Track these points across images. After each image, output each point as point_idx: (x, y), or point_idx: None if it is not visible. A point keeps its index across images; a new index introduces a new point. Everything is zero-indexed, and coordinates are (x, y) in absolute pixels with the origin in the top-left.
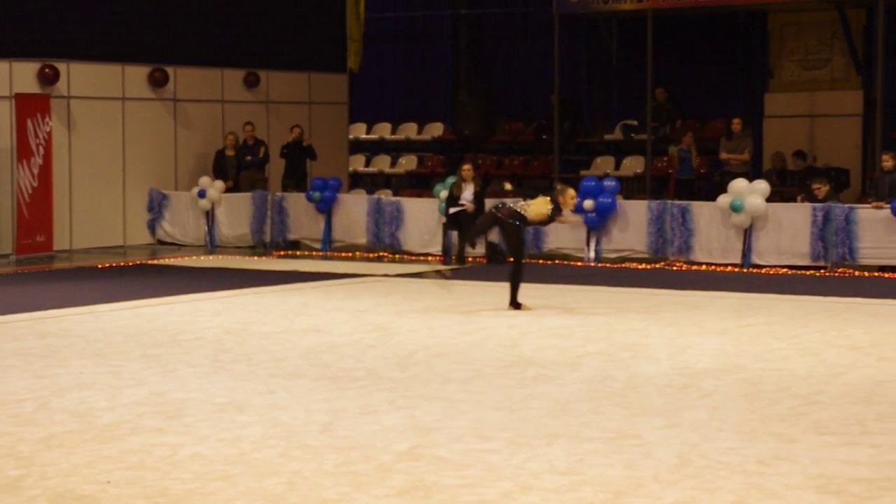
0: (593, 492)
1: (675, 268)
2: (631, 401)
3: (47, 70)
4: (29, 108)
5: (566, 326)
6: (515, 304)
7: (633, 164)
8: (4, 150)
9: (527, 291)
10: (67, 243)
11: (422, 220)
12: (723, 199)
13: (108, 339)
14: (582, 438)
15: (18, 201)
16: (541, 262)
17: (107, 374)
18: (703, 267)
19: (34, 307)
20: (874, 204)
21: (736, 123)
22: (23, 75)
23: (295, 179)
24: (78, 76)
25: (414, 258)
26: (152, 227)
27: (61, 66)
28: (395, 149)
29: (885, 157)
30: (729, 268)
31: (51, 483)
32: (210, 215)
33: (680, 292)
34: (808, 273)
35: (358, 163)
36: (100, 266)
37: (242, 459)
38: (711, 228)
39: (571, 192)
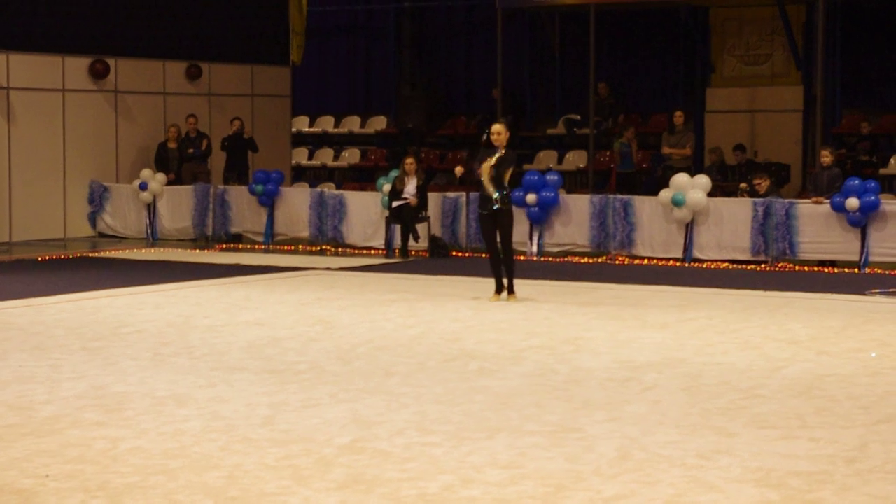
0: (534, 485)
1: (617, 262)
2: (573, 394)
3: None
4: None
5: (508, 320)
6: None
7: (576, 159)
8: None
9: (469, 285)
10: (7, 235)
11: (365, 213)
12: (664, 194)
13: (48, 332)
14: (524, 432)
15: None
16: (484, 256)
17: (46, 368)
18: (645, 261)
19: None
20: (814, 199)
21: (678, 116)
22: None
23: (237, 172)
24: (17, 67)
25: (357, 251)
26: (93, 219)
27: (0, 58)
28: (338, 142)
29: (824, 152)
30: (671, 262)
31: None
32: (151, 208)
33: (622, 286)
34: (748, 267)
35: (301, 156)
36: (40, 258)
37: (183, 453)
38: (653, 223)
39: (494, 127)
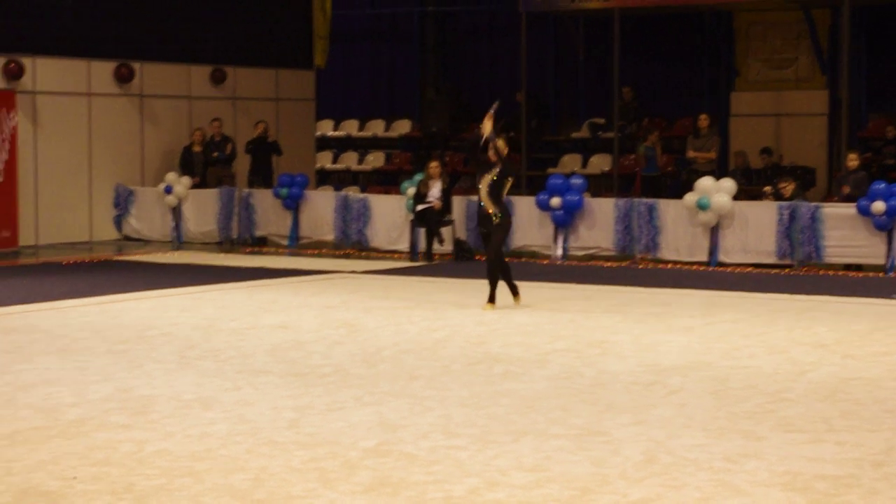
0: (560, 488)
1: (641, 265)
2: (598, 398)
3: (12, 65)
4: None
5: (534, 323)
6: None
7: (601, 162)
8: None
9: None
10: (33, 239)
11: (389, 217)
12: (689, 198)
13: (74, 334)
14: (549, 435)
15: None
16: (508, 259)
17: (72, 370)
18: (670, 265)
19: None
20: (843, 187)
21: (703, 119)
22: None
23: (261, 176)
24: (44, 71)
25: (381, 255)
26: (119, 222)
27: (27, 62)
28: (363, 146)
29: (851, 155)
30: (696, 266)
31: (15, 479)
32: (177, 211)
33: (647, 290)
34: (774, 271)
35: (325, 160)
36: (65, 262)
37: (209, 456)
38: (678, 226)
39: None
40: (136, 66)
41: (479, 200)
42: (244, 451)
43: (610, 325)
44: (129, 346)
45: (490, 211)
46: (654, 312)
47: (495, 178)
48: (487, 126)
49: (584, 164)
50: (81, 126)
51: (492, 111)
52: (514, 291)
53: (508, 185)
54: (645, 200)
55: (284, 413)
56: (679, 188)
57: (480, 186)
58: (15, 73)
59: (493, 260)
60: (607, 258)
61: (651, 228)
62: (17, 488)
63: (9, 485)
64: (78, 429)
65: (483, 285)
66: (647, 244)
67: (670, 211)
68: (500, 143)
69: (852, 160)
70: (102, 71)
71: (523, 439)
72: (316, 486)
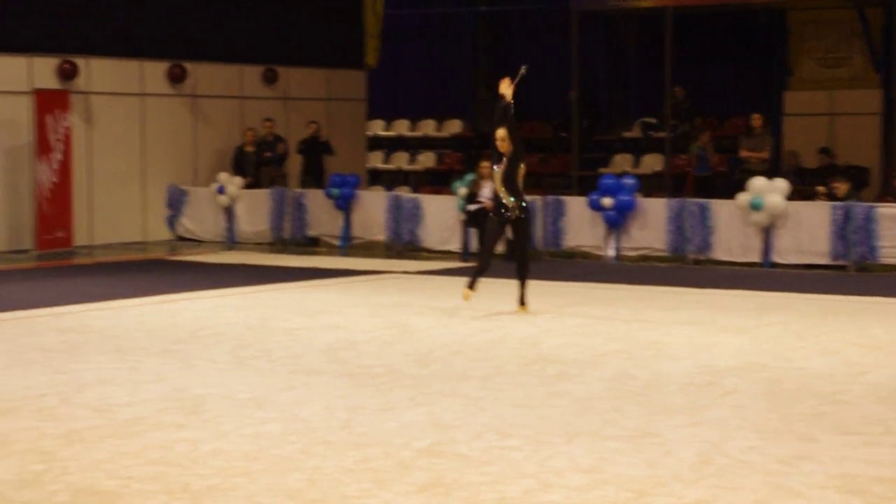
0: (615, 490)
1: (694, 266)
2: (652, 399)
3: (66, 65)
4: (48, 103)
5: (587, 324)
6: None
7: (652, 162)
8: (24, 146)
9: (546, 289)
10: (87, 239)
11: (441, 217)
12: (742, 198)
13: (128, 334)
14: (603, 436)
15: (38, 197)
16: (560, 259)
17: (127, 370)
18: (723, 265)
19: (54, 302)
20: None
21: (756, 119)
22: (42, 71)
23: (313, 176)
24: (97, 72)
25: (432, 255)
26: (172, 222)
27: (80, 62)
28: (414, 146)
29: None
30: (748, 266)
31: (72, 478)
32: (229, 211)
33: (700, 290)
34: (828, 272)
35: (376, 159)
36: (119, 261)
37: (263, 455)
38: (731, 227)
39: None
40: (189, 66)
41: (495, 191)
42: (298, 450)
43: (663, 327)
44: (182, 345)
45: (507, 202)
46: (707, 313)
47: (507, 166)
48: (508, 92)
49: (636, 163)
50: (135, 126)
51: (517, 78)
52: (523, 300)
53: (522, 171)
54: (697, 200)
55: (337, 413)
56: (731, 188)
57: (494, 177)
58: (69, 74)
59: (520, 260)
60: (659, 258)
61: (703, 229)
62: (74, 487)
63: (65, 484)
64: (133, 428)
65: (535, 286)
66: (699, 245)
67: (723, 211)
68: (500, 132)
69: None
70: (155, 71)
71: (578, 440)
72: (370, 486)
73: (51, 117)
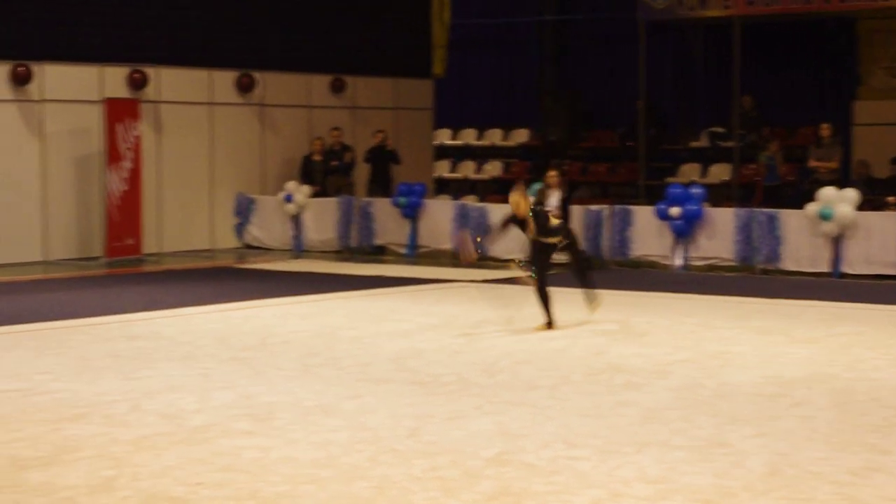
0: (684, 500)
1: (763, 276)
2: (720, 409)
3: (136, 75)
4: (118, 112)
5: (654, 334)
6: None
7: (720, 172)
8: (94, 155)
9: (613, 298)
10: (156, 246)
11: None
12: (811, 208)
13: (197, 341)
14: (672, 446)
15: (108, 205)
16: (627, 268)
17: (196, 377)
18: (792, 276)
19: (124, 310)
20: None
21: (825, 129)
22: (113, 80)
23: (380, 185)
24: (167, 81)
25: (499, 264)
26: (240, 231)
27: (150, 71)
28: (481, 155)
29: None
30: (818, 277)
31: (143, 484)
32: (297, 220)
33: (768, 301)
34: None
35: (443, 168)
36: (188, 269)
37: (332, 463)
38: (800, 237)
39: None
40: (258, 75)
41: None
42: (366, 458)
43: (731, 336)
44: (251, 353)
45: (553, 240)
46: (775, 323)
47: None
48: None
49: (704, 173)
50: (203, 135)
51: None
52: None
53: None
54: (766, 210)
55: (405, 421)
56: (800, 198)
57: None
58: (139, 83)
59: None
60: (728, 268)
61: (772, 239)
62: (145, 493)
63: (136, 490)
64: (202, 435)
65: (601, 295)
66: (768, 254)
67: (792, 221)
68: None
69: None
70: (224, 80)
71: (646, 450)
72: (437, 494)
73: (121, 126)
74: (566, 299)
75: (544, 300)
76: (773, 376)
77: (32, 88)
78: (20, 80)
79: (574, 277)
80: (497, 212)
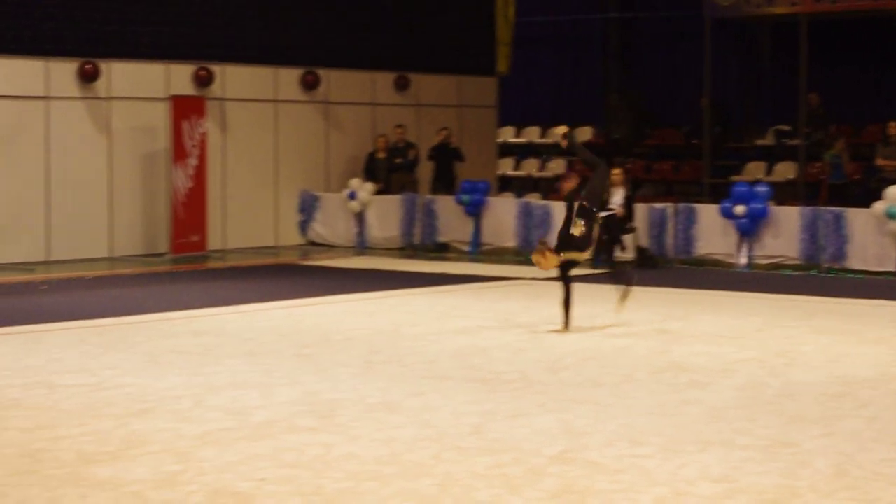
0: (748, 500)
1: (828, 275)
2: (785, 408)
3: (202, 72)
4: (184, 109)
5: (718, 332)
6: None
7: (785, 170)
8: (160, 152)
9: (677, 296)
10: (221, 243)
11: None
12: (878, 206)
13: (261, 338)
14: (736, 446)
15: (174, 201)
16: (691, 267)
17: (260, 373)
18: (858, 275)
19: (189, 305)
20: None
21: (893, 126)
22: (179, 77)
23: (443, 182)
24: (232, 78)
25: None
26: (304, 228)
27: (216, 69)
28: (544, 152)
29: None
30: (884, 276)
31: (207, 479)
32: (360, 217)
33: (834, 300)
34: None
35: (507, 166)
36: (252, 266)
37: (395, 460)
38: (866, 235)
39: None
40: (322, 73)
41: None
42: (429, 456)
43: (796, 336)
44: (314, 349)
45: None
46: (841, 323)
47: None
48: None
49: (769, 171)
50: (268, 132)
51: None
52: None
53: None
54: (832, 209)
55: (468, 419)
56: (867, 197)
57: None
58: (205, 81)
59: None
60: (793, 267)
61: (838, 237)
62: (209, 488)
63: (201, 485)
64: (266, 431)
65: (665, 293)
66: (833, 253)
67: (858, 220)
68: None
69: None
70: (289, 78)
71: (710, 449)
72: (501, 492)
73: (187, 123)
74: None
75: (566, 304)
76: (839, 376)
77: (100, 86)
78: (88, 77)
79: (611, 270)
80: (561, 209)
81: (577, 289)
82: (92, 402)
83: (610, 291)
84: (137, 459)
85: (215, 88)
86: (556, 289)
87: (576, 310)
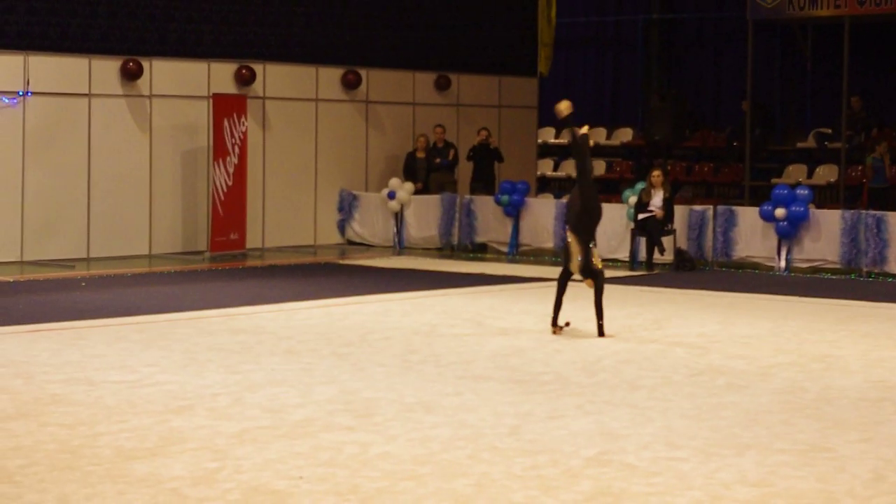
0: None
1: (869, 279)
2: (823, 413)
3: (244, 71)
4: (226, 108)
5: (756, 336)
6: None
7: (827, 173)
8: (201, 149)
9: (716, 299)
10: (260, 241)
11: (610, 225)
12: None
13: (299, 336)
14: (773, 450)
15: (213, 199)
16: (730, 270)
17: (298, 371)
18: None
19: (227, 304)
20: None
21: None
22: (220, 76)
23: (483, 182)
24: (273, 77)
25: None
26: (342, 227)
27: (258, 67)
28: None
29: None
30: None
31: (245, 477)
32: (399, 216)
33: (874, 304)
34: None
35: (546, 167)
36: (290, 264)
37: (431, 460)
38: None
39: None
40: (363, 72)
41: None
42: (466, 456)
43: (835, 340)
44: (352, 348)
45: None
46: (881, 327)
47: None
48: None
49: (810, 174)
50: (308, 131)
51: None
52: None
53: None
54: (872, 213)
55: (505, 419)
56: None
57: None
58: (246, 79)
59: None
60: (833, 271)
61: (879, 241)
62: (247, 486)
63: (238, 482)
64: (304, 429)
65: (704, 296)
66: (874, 257)
67: None
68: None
69: None
70: (330, 77)
71: (747, 453)
72: (537, 493)
73: (228, 121)
74: (669, 299)
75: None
76: (878, 381)
77: (142, 84)
78: (130, 75)
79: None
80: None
81: (611, 291)
82: (131, 399)
83: (644, 294)
84: (175, 456)
85: (256, 87)
86: (592, 291)
87: (611, 312)
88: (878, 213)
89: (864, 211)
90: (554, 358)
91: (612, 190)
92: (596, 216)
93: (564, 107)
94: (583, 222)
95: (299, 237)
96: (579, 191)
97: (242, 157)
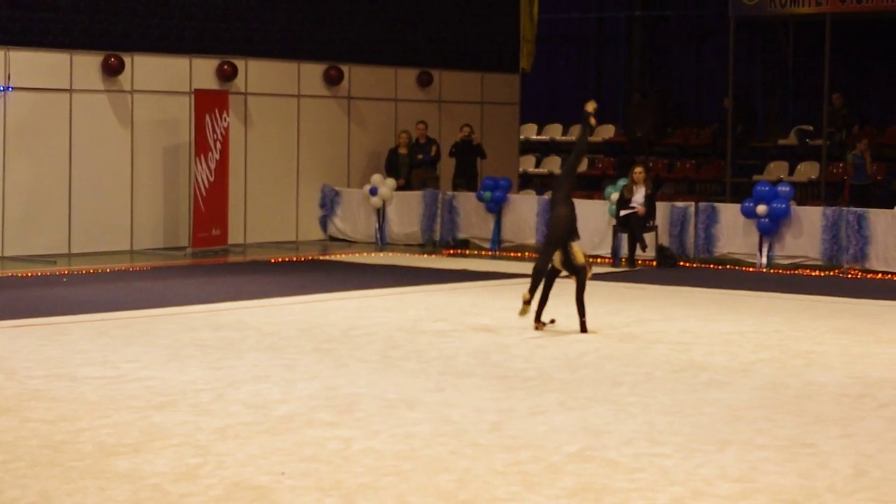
0: (766, 500)
1: (849, 276)
2: (804, 409)
3: (226, 66)
4: (207, 103)
5: (738, 332)
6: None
7: (808, 170)
8: (183, 145)
9: (697, 296)
10: (242, 237)
11: (592, 221)
12: None
13: (282, 332)
14: (755, 446)
15: (195, 195)
16: (711, 266)
17: (280, 367)
18: (879, 276)
19: (209, 299)
20: None
21: None
22: (202, 71)
23: (465, 179)
24: (255, 73)
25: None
26: (324, 223)
27: (239, 63)
28: (566, 150)
29: None
30: None
31: (227, 472)
32: (381, 213)
33: (854, 301)
34: None
35: (528, 163)
36: (273, 260)
37: (414, 455)
38: (888, 236)
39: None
40: (345, 68)
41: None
42: (448, 452)
43: (816, 336)
44: (334, 344)
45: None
46: (862, 324)
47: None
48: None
49: (791, 171)
50: (290, 127)
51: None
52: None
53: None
54: (854, 210)
55: (487, 415)
56: (889, 197)
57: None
58: (228, 75)
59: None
60: (814, 267)
61: (860, 238)
62: (229, 482)
63: (220, 478)
64: (286, 425)
65: (686, 292)
66: (855, 254)
67: (880, 221)
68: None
69: None
70: (312, 73)
71: (728, 449)
72: (519, 489)
73: (210, 117)
74: (651, 296)
75: (534, 287)
76: (859, 377)
77: (123, 79)
78: (111, 70)
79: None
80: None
81: (593, 287)
82: (113, 395)
83: (626, 291)
84: (157, 452)
85: (238, 83)
86: (573, 286)
87: (593, 308)
88: (860, 209)
89: (845, 208)
90: (536, 354)
91: (593, 186)
92: (563, 224)
93: (592, 108)
94: (558, 229)
95: (281, 233)
96: (556, 197)
97: (224, 152)
